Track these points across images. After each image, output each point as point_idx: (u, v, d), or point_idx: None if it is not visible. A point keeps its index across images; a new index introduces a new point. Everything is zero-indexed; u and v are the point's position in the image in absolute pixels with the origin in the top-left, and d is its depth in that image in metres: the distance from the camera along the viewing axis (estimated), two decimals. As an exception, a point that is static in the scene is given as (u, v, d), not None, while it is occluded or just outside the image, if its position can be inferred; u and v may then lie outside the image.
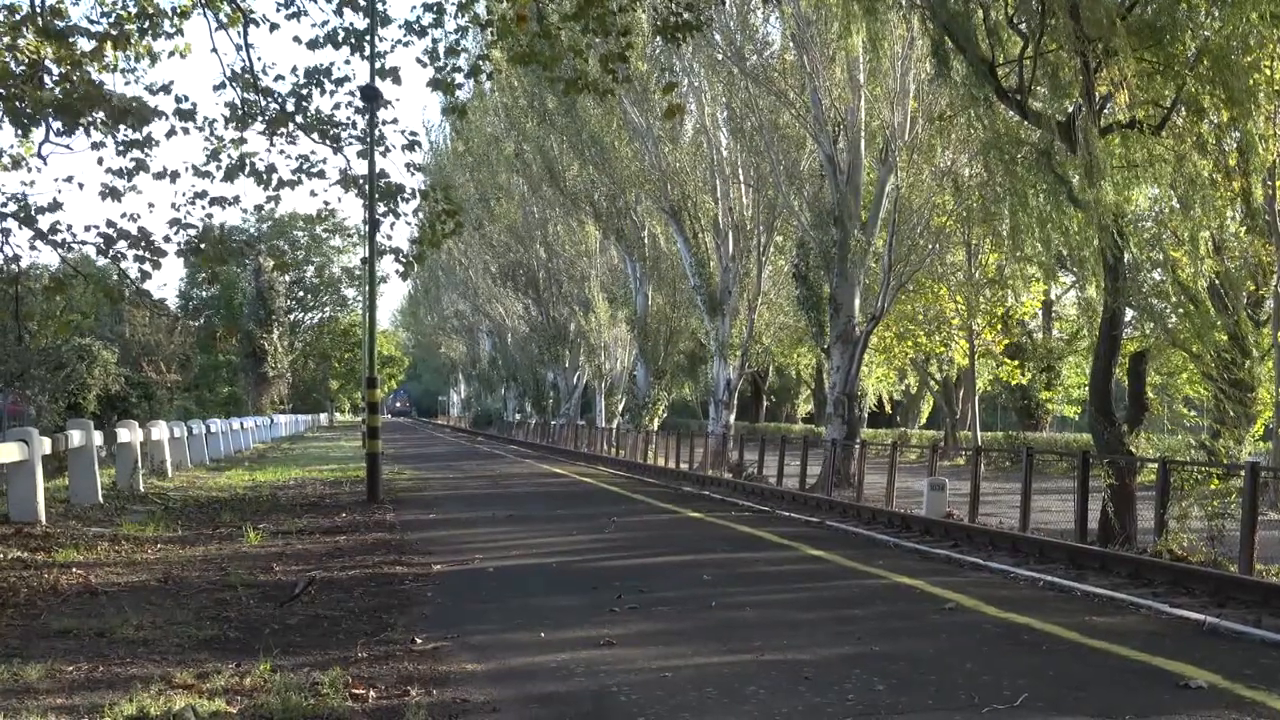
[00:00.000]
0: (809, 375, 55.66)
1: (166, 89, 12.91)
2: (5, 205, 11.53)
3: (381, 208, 15.10)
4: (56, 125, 11.06)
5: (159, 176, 12.43)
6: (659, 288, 42.36)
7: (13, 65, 10.77)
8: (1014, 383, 37.64)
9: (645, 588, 9.99)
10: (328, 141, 13.79)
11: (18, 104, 10.41)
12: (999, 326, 35.07)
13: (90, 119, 10.92)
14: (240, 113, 13.20)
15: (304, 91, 13.39)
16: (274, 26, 13.65)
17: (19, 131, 11.00)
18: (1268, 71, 13.10)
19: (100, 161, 12.28)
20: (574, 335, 52.72)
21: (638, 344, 43.71)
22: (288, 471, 27.94)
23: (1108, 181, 13.17)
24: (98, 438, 18.51)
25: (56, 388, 30.10)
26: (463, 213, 16.03)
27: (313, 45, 13.34)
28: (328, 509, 17.76)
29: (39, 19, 11.06)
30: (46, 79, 10.97)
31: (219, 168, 13.23)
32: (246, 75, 13.14)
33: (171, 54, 12.71)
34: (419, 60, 13.29)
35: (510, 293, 59.16)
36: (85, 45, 11.41)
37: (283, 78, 15.52)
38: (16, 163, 12.12)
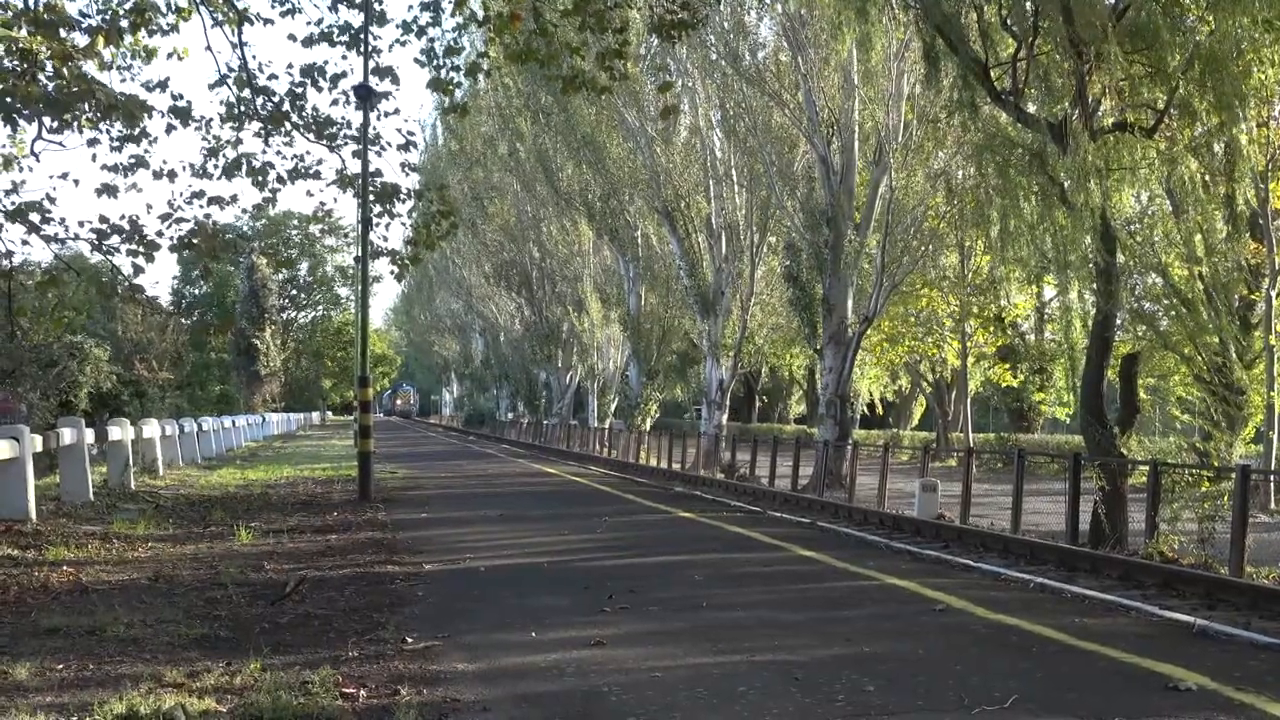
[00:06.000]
0: (802, 376, 55.73)
1: (163, 86, 12.89)
2: (-2, 200, 11.50)
3: (377, 208, 15.09)
4: (49, 122, 11.03)
5: (157, 176, 12.41)
6: (652, 288, 42.36)
7: (5, 61, 10.73)
8: (1005, 385, 37.71)
9: (637, 588, 9.99)
10: (323, 141, 13.77)
11: (8, 99, 10.36)
12: (991, 328, 35.13)
13: (78, 113, 10.88)
14: (236, 111, 13.18)
15: (299, 90, 13.38)
16: (268, 22, 13.60)
17: (9, 127, 10.96)
18: (1259, 76, 13.13)
19: (95, 158, 12.29)
20: (567, 335, 52.71)
21: (630, 344, 43.71)
22: (279, 470, 27.91)
23: (1097, 184, 13.20)
24: (89, 435, 18.47)
25: (48, 385, 30.03)
26: (457, 214, 16.01)
27: (308, 42, 13.32)
28: (319, 508, 17.73)
29: (32, 14, 11.01)
30: (40, 75, 10.93)
31: (216, 166, 13.21)
32: (242, 73, 13.13)
33: (170, 54, 12.68)
34: (417, 60, 13.30)
35: (503, 292, 59.13)
36: (80, 40, 11.39)
37: (276, 76, 15.54)
38: (9, 162, 12.07)
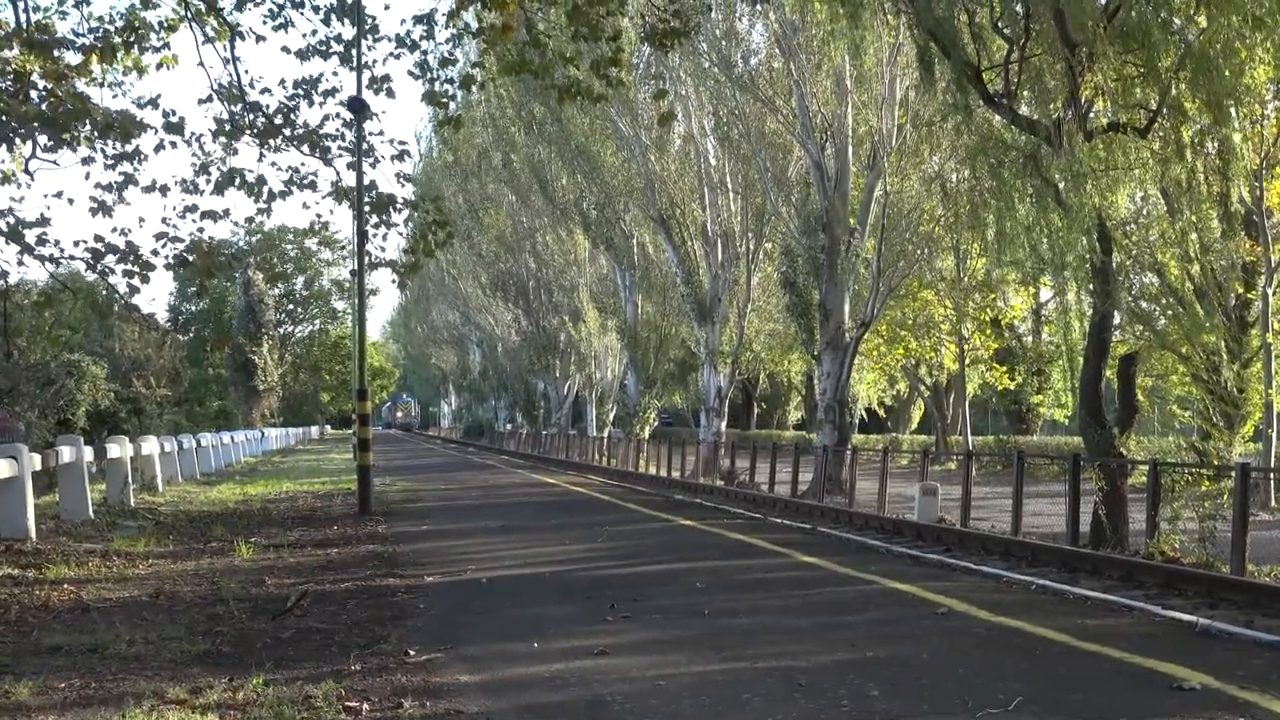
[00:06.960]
0: (800, 382, 55.76)
1: (154, 103, 12.89)
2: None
3: (373, 220, 15.09)
4: (43, 140, 11.04)
5: (148, 190, 12.41)
6: (648, 296, 42.38)
7: (-1, 81, 10.75)
8: (1003, 387, 37.73)
9: (639, 596, 9.98)
10: (317, 154, 13.77)
11: (3, 118, 10.37)
12: (988, 331, 35.15)
13: (75, 133, 10.90)
14: (228, 126, 13.18)
15: (292, 103, 13.39)
16: (260, 39, 13.62)
17: (3, 146, 10.95)
18: (1251, 75, 13.16)
19: (88, 176, 12.26)
20: (564, 345, 52.73)
21: (628, 353, 43.72)
22: (279, 485, 27.86)
23: (1092, 184, 13.21)
24: (88, 453, 18.44)
25: (46, 403, 30.00)
26: (453, 224, 16.02)
27: (302, 56, 13.32)
28: (320, 522, 17.71)
29: (25, 33, 11.03)
30: (33, 93, 10.94)
31: (208, 181, 13.21)
32: (234, 89, 13.13)
33: (160, 66, 12.69)
34: (410, 73, 13.30)
35: (500, 303, 59.16)
36: (72, 59, 11.41)
37: (269, 90, 15.69)
38: (6, 179, 12.08)
